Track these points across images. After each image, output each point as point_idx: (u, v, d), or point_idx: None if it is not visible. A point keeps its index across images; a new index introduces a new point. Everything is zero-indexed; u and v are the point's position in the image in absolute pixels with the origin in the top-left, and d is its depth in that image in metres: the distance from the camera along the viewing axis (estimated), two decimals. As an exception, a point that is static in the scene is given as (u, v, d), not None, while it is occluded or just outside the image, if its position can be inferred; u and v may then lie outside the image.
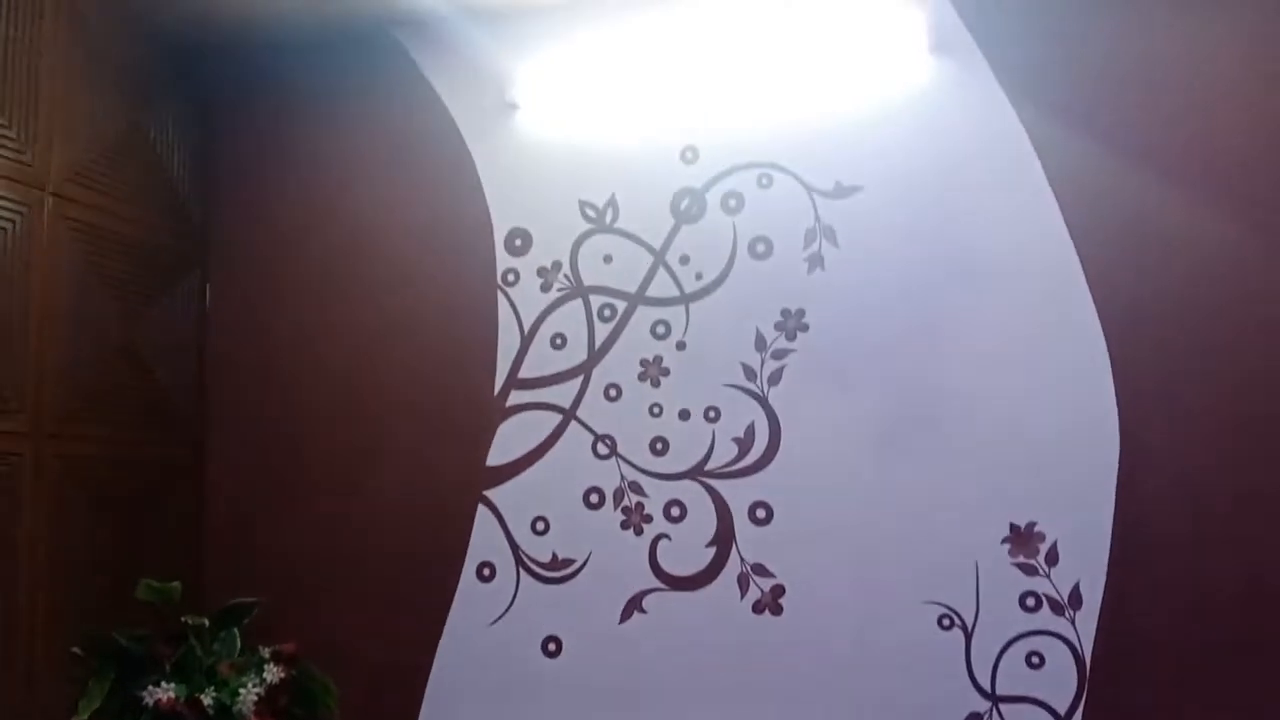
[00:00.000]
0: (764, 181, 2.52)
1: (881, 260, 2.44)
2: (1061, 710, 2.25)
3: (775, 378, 2.47)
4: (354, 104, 2.76)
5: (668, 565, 2.47)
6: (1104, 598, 2.26)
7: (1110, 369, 2.30)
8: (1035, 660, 2.28)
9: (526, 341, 2.59)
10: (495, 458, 2.58)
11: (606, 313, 2.56)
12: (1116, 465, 2.28)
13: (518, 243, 2.63)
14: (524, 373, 2.59)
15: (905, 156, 2.44)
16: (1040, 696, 2.27)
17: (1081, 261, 2.33)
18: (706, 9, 2.54)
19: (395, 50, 2.73)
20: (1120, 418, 2.28)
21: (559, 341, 2.57)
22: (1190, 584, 2.21)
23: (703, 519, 2.47)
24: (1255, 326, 2.23)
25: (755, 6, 2.51)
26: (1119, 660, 2.23)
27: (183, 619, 2.22)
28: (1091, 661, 2.25)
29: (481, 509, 2.57)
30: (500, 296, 2.62)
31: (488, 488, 2.57)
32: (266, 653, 2.23)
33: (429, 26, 2.66)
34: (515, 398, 2.58)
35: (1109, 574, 2.26)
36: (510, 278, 2.62)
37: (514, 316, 2.61)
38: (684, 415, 2.50)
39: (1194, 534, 2.22)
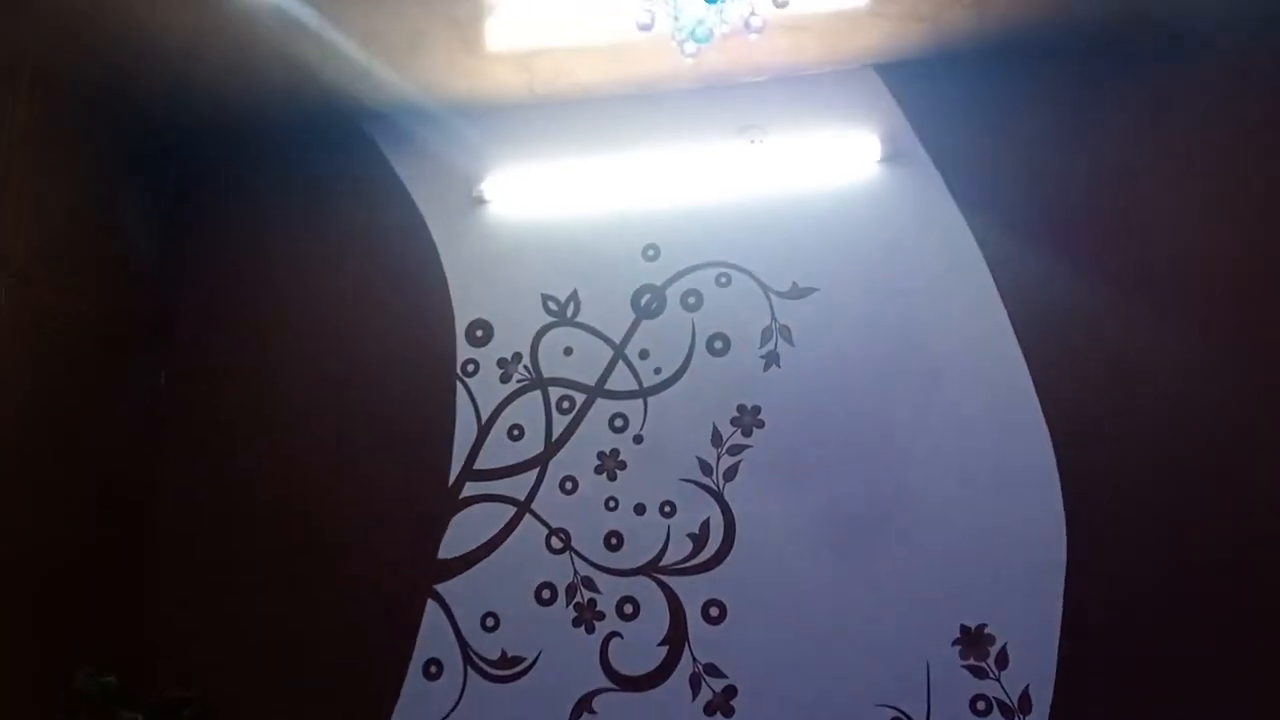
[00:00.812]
0: (723, 280, 2.63)
1: (835, 360, 2.54)
2: (1013, 817, 2.27)
3: (731, 473, 2.53)
4: (323, 194, 2.86)
5: (619, 664, 2.48)
6: (1053, 701, 2.30)
7: (1057, 472, 2.39)
8: (987, 766, 2.30)
9: (484, 432, 2.64)
10: (447, 550, 2.59)
11: (565, 404, 2.62)
12: (1064, 568, 2.35)
13: (479, 334, 2.70)
14: (480, 464, 2.62)
15: (859, 260, 2.58)
16: (991, 803, 2.29)
17: (1028, 366, 2.44)
18: (672, 116, 2.68)
19: (366, 144, 2.84)
20: (1067, 520, 2.36)
21: (516, 432, 2.62)
22: (1137, 692, 2.26)
23: (655, 617, 2.49)
24: (1197, 433, 2.35)
25: (717, 118, 2.65)
26: (1070, 767, 2.27)
27: (119, 713, 2.18)
28: (1043, 768, 2.28)
29: (431, 603, 2.57)
30: (459, 386, 2.68)
31: (438, 581, 2.58)
32: (199, 751, 2.19)
33: (400, 122, 2.78)
34: (470, 489, 2.61)
35: (1058, 678, 2.31)
36: (470, 368, 2.68)
37: (472, 407, 2.66)
38: (639, 510, 2.54)
39: (1140, 639, 2.29)
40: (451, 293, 2.73)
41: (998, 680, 2.34)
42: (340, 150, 2.84)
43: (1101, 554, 2.34)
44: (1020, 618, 2.35)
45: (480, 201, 2.74)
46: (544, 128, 2.74)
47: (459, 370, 2.69)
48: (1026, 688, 2.32)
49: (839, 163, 2.62)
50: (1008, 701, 2.33)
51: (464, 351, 2.70)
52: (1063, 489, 2.38)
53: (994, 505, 2.40)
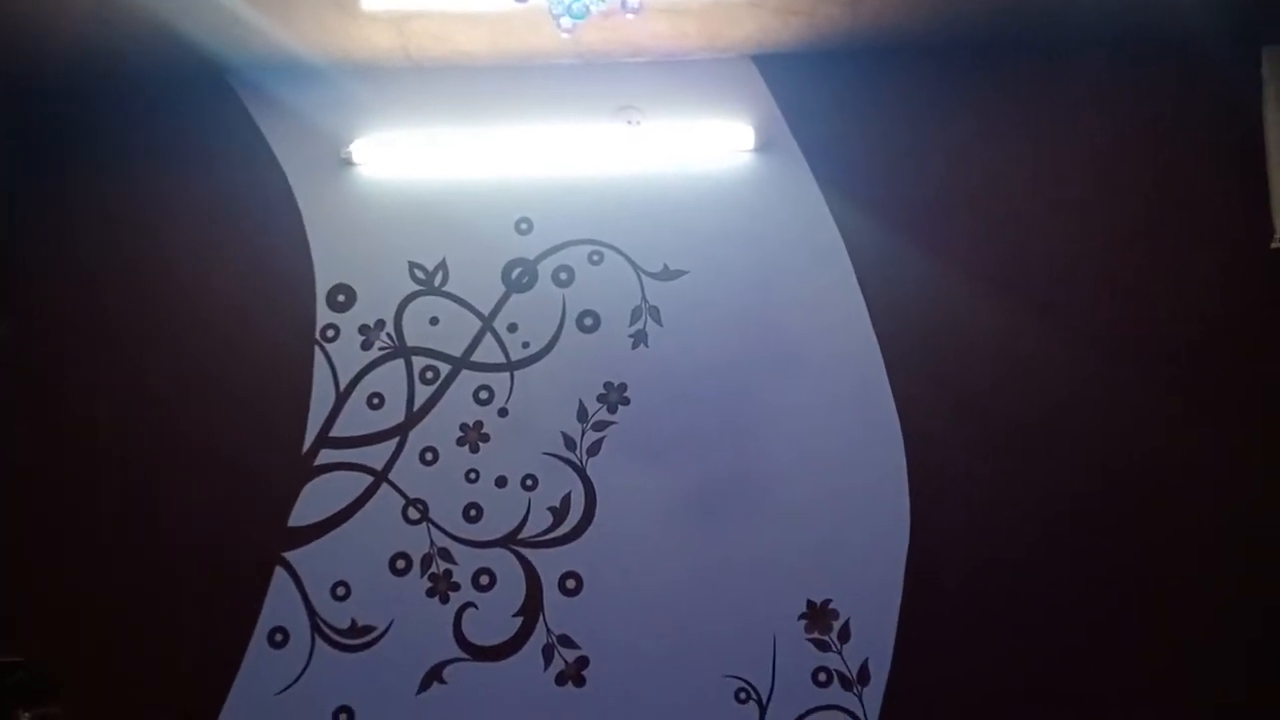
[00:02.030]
0: (595, 258, 2.71)
1: (701, 342, 2.67)
2: (846, 784, 2.45)
3: (595, 449, 2.62)
4: (182, 148, 2.79)
5: (472, 635, 2.54)
6: (890, 675, 2.49)
7: (905, 457, 2.59)
8: (825, 734, 2.48)
9: (342, 399, 2.65)
10: (298, 518, 2.60)
11: (429, 375, 2.66)
12: (906, 548, 2.54)
13: (340, 298, 2.71)
14: (336, 431, 2.63)
15: (728, 246, 2.71)
16: (827, 771, 2.46)
17: (883, 353, 2.63)
18: (551, 91, 2.74)
19: (229, 98, 2.79)
20: (911, 503, 2.56)
21: (376, 401, 2.64)
22: (970, 668, 2.48)
23: (512, 588, 2.56)
24: (1041, 422, 2.58)
25: (595, 96, 2.73)
26: (899, 734, 2.46)
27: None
28: (876, 736, 2.47)
29: (279, 571, 2.57)
30: (318, 352, 2.67)
31: (287, 549, 2.58)
32: (27, 717, 2.13)
33: (267, 78, 2.74)
34: (324, 457, 2.62)
35: (895, 651, 2.50)
36: (330, 333, 2.69)
37: (330, 373, 2.66)
38: (501, 482, 2.61)
39: (976, 618, 2.51)
40: (314, 255, 2.72)
41: (839, 653, 2.52)
42: (202, 103, 2.78)
43: (942, 537, 2.55)
44: (863, 594, 2.54)
45: (348, 163, 2.74)
46: (419, 93, 2.76)
47: (318, 335, 2.68)
48: (866, 660, 2.51)
49: (713, 149, 2.74)
50: (848, 674, 2.50)
51: (324, 316, 2.69)
52: (909, 474, 2.58)
53: (844, 487, 2.58)
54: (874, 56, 2.71)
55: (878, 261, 2.67)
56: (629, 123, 2.72)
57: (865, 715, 2.48)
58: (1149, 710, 2.45)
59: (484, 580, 2.57)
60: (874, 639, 2.52)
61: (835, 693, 2.50)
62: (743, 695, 2.50)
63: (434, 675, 2.52)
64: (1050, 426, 2.58)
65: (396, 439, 2.63)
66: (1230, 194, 2.62)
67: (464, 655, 2.53)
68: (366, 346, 2.68)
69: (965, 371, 2.61)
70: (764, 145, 2.72)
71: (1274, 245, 2.55)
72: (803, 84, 2.74)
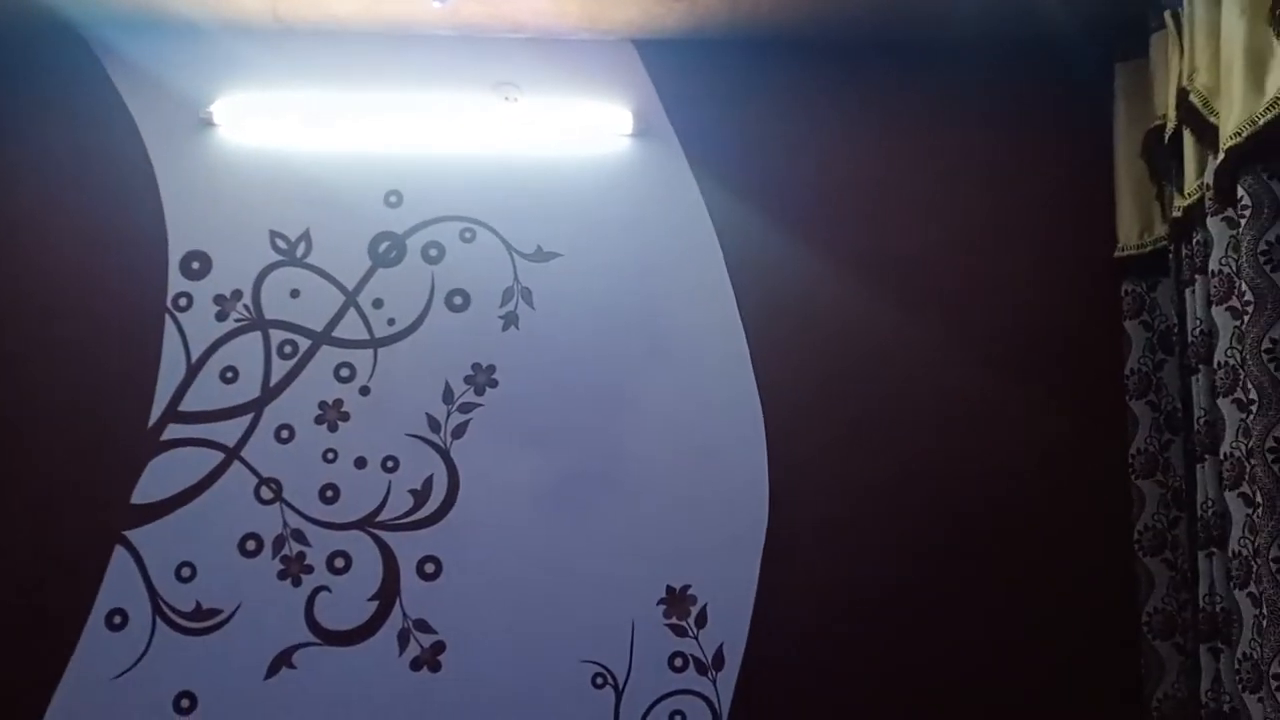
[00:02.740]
0: (467, 236, 2.69)
1: (572, 326, 2.68)
2: (697, 766, 2.52)
3: (459, 431, 2.61)
4: (29, 101, 2.64)
5: (325, 619, 2.50)
6: (743, 660, 2.57)
7: (765, 445, 2.66)
8: (678, 719, 2.53)
9: (193, 372, 2.56)
10: (141, 495, 2.51)
11: (287, 349, 2.59)
12: (764, 538, 2.62)
13: (195, 266, 2.61)
14: (186, 405, 2.55)
15: (603, 230, 2.73)
16: (680, 754, 2.53)
17: (748, 342, 2.70)
18: (428, 63, 2.70)
19: (80, 49, 2.65)
20: (770, 491, 2.64)
21: (230, 375, 2.57)
22: (820, 652, 2.59)
23: (368, 572, 2.54)
24: (902, 416, 2.70)
25: (472, 70, 2.71)
26: (749, 718, 2.53)
27: None
28: (728, 720, 2.54)
29: (119, 550, 2.48)
30: (168, 321, 2.58)
31: (129, 527, 2.49)
32: None
33: (124, 32, 2.61)
34: (172, 431, 2.54)
35: (750, 637, 2.58)
36: (182, 302, 2.59)
37: (181, 344, 2.57)
38: (360, 463, 2.57)
39: (830, 604, 2.61)
40: (167, 219, 2.62)
41: (695, 639, 2.58)
42: (53, 56, 2.63)
43: (799, 525, 2.63)
44: (721, 581, 2.61)
45: (209, 124, 2.64)
46: (288, 57, 2.68)
47: (169, 304, 2.59)
48: (721, 645, 2.58)
49: (591, 132, 2.75)
50: (703, 659, 2.57)
51: (176, 284, 2.60)
52: (769, 462, 2.65)
53: (706, 475, 2.64)
54: (752, 48, 2.77)
55: (747, 251, 2.74)
56: (506, 99, 2.70)
57: (719, 699, 2.56)
58: (1001, 691, 2.59)
59: (339, 563, 2.53)
60: (730, 624, 2.59)
61: (691, 677, 2.56)
62: (599, 680, 2.54)
63: (283, 660, 2.48)
64: (906, 416, 2.70)
65: (250, 415, 2.56)
66: (1081, 203, 2.78)
67: (315, 640, 2.50)
68: (221, 317, 2.59)
69: (827, 362, 2.71)
70: (642, 130, 2.75)
71: (1117, 254, 2.72)
72: (682, 71, 2.77)
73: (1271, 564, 2.03)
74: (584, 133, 2.75)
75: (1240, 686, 2.15)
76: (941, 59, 2.78)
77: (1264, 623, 2.03)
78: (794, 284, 2.73)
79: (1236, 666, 2.14)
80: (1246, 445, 2.12)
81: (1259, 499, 2.06)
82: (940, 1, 2.58)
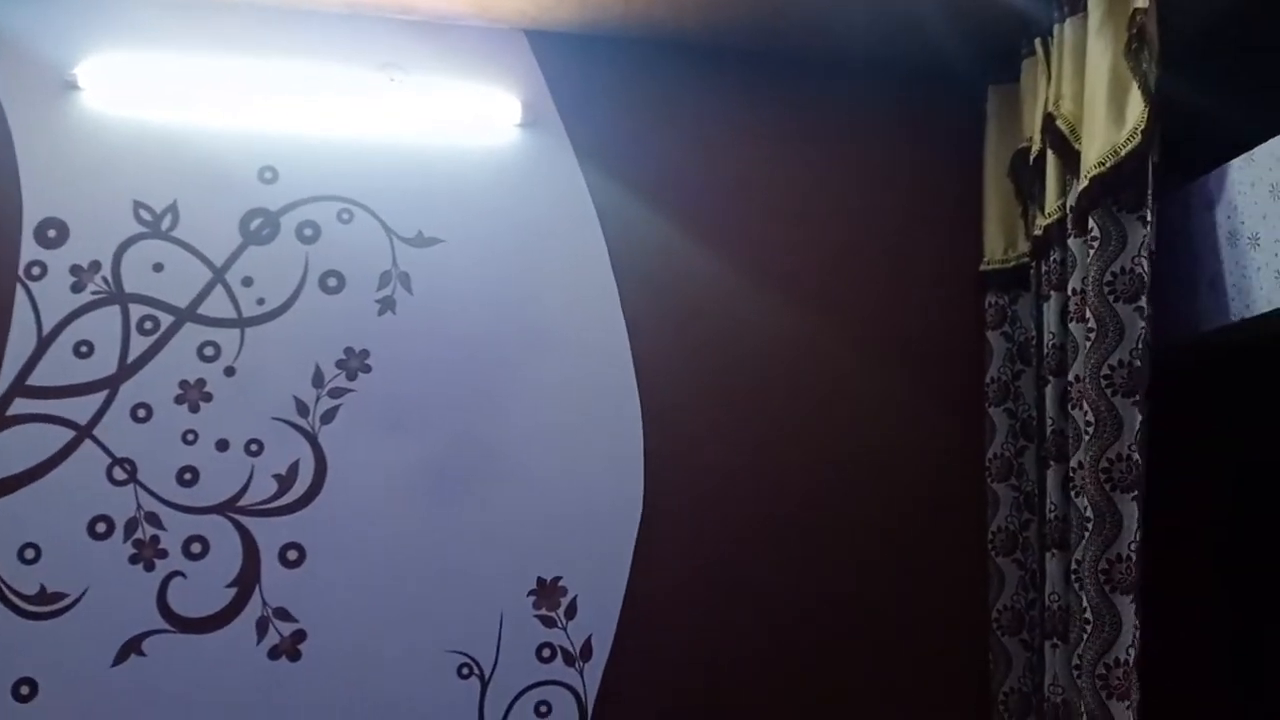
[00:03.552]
0: (344, 217, 2.66)
1: (452, 314, 2.68)
2: (560, 757, 2.55)
3: (329, 416, 2.58)
4: None
5: (179, 605, 2.44)
6: (611, 651, 2.62)
7: (642, 446, 2.71)
8: (543, 709, 2.57)
9: (44, 344, 2.46)
10: (-17, 472, 2.40)
11: (148, 325, 2.52)
12: (637, 528, 2.67)
13: (51, 234, 2.51)
14: (35, 379, 2.45)
15: (486, 219, 2.73)
16: (543, 744, 2.55)
17: (629, 337, 2.74)
18: (311, 37, 2.65)
19: (-72, -7, 2.51)
20: (645, 483, 2.69)
21: (85, 349, 2.48)
22: (687, 645, 2.65)
23: (226, 558, 2.48)
24: (775, 405, 2.78)
25: (358, 50, 2.67)
26: (615, 711, 2.60)
27: None
28: (593, 711, 2.58)
29: (-43, 531, 2.37)
30: (19, 290, 2.47)
31: (-32, 507, 2.38)
32: None
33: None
34: (19, 406, 2.43)
35: (618, 629, 2.63)
36: (35, 271, 2.49)
37: (33, 314, 2.47)
38: (222, 445, 2.51)
39: (695, 598, 2.67)
40: (23, 183, 2.51)
41: (564, 630, 2.61)
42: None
43: (672, 517, 2.69)
44: (592, 574, 2.65)
45: (73, 87, 2.53)
46: (163, 20, 2.60)
47: (21, 272, 2.48)
48: (589, 637, 2.62)
49: (477, 119, 2.75)
50: (571, 650, 2.61)
51: (30, 251, 2.49)
52: (645, 458, 2.71)
53: (581, 466, 2.67)
54: (643, 46, 2.82)
55: (631, 244, 2.78)
56: (391, 80, 2.68)
57: (585, 690, 2.60)
58: (858, 681, 2.71)
59: (195, 548, 2.47)
60: (599, 616, 2.63)
61: (558, 668, 2.59)
62: (465, 671, 2.55)
63: (132, 647, 2.41)
64: (783, 412, 2.79)
65: (105, 392, 2.47)
66: (951, 217, 2.93)
67: (168, 627, 2.43)
68: (78, 289, 2.50)
69: (704, 358, 2.78)
70: (529, 121, 2.76)
71: (982, 268, 2.87)
72: (573, 64, 2.80)
73: (1099, 575, 2.19)
74: (471, 120, 2.74)
75: (1076, 678, 2.30)
76: (824, 71, 2.89)
77: (1089, 627, 2.19)
78: (675, 278, 2.79)
79: (1076, 661, 2.29)
80: (1083, 461, 2.27)
81: (1089, 514, 2.22)
82: (824, 16, 2.68)
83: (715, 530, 2.72)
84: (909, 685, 2.73)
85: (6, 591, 2.37)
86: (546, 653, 2.60)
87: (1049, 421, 2.55)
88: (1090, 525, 2.22)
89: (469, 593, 2.58)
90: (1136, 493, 2.19)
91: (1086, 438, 2.26)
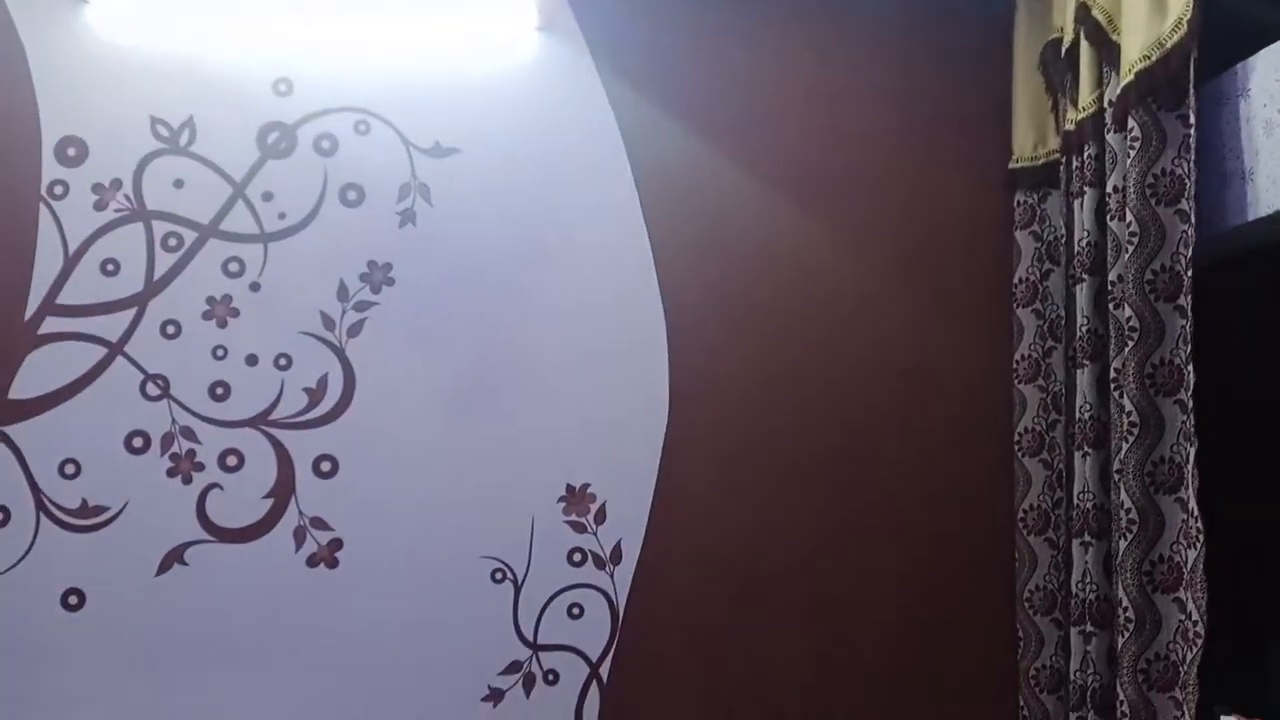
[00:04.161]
0: (361, 128, 2.64)
1: (473, 225, 2.68)
2: (594, 657, 2.63)
3: (355, 330, 2.61)
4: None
5: (217, 517, 2.51)
6: (641, 554, 2.67)
7: (667, 352, 2.73)
8: (575, 611, 2.63)
9: (71, 263, 2.49)
10: (20, 390, 2.45)
11: (172, 242, 2.54)
12: (664, 434, 2.70)
13: (71, 152, 2.52)
14: (64, 298, 2.48)
15: (505, 128, 2.71)
16: (577, 645, 2.63)
17: (651, 240, 2.74)
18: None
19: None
20: (671, 389, 2.71)
21: (111, 268, 2.50)
22: (714, 547, 2.70)
23: (262, 470, 2.54)
24: (798, 309, 2.78)
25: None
26: (646, 611, 2.65)
27: None
28: (624, 612, 2.64)
29: (-1, 447, 2.44)
30: (43, 210, 2.49)
31: (7, 423, 2.44)
32: None
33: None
34: (51, 325, 2.47)
35: (647, 533, 2.68)
36: (58, 190, 2.50)
37: (58, 234, 2.49)
38: (252, 360, 2.55)
39: (722, 503, 2.71)
40: (39, 102, 2.51)
41: (594, 535, 2.67)
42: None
43: (698, 422, 2.72)
44: (620, 480, 2.69)
45: (83, 1, 2.51)
46: (168, -73, 2.55)
47: (44, 192, 2.50)
48: (619, 541, 2.67)
49: (493, 24, 2.70)
50: (601, 554, 2.66)
51: (51, 171, 2.50)
52: (669, 361, 2.72)
53: (606, 373, 2.70)
54: (663, -54, 2.74)
55: (652, 152, 2.75)
56: (403, -14, 2.62)
57: (616, 592, 2.66)
58: (902, 587, 2.75)
59: (231, 461, 2.53)
60: (628, 520, 2.68)
61: (589, 572, 2.65)
62: (498, 575, 2.61)
63: (174, 557, 2.49)
64: (807, 316, 2.79)
65: (134, 309, 2.51)
66: (980, 115, 2.86)
67: (208, 537, 2.51)
68: (100, 207, 2.51)
69: (728, 264, 2.77)
70: (546, 24, 2.71)
71: (1011, 166, 2.82)
72: (589, -35, 2.73)
73: (1145, 476, 2.18)
74: (486, 26, 2.69)
75: (1117, 578, 2.33)
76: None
77: (1134, 526, 2.20)
78: (698, 186, 2.77)
79: (1120, 560, 2.32)
80: (1125, 366, 2.26)
81: (1134, 418, 2.21)
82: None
83: (741, 435, 2.74)
84: (937, 587, 2.77)
85: (50, 505, 2.45)
86: (577, 557, 2.66)
87: (1081, 321, 2.53)
88: (1135, 429, 2.21)
89: (499, 500, 2.63)
90: (1179, 396, 2.17)
91: (1131, 343, 2.23)
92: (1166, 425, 2.19)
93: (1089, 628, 2.43)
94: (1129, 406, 2.23)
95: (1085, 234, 2.52)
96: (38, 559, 2.43)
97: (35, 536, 2.43)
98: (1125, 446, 2.23)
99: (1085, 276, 2.52)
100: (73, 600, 2.44)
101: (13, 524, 2.43)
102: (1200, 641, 2.07)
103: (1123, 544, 2.21)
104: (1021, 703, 2.69)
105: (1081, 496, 2.49)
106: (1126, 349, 2.24)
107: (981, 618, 2.76)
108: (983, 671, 2.74)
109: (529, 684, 2.59)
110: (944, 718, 2.72)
